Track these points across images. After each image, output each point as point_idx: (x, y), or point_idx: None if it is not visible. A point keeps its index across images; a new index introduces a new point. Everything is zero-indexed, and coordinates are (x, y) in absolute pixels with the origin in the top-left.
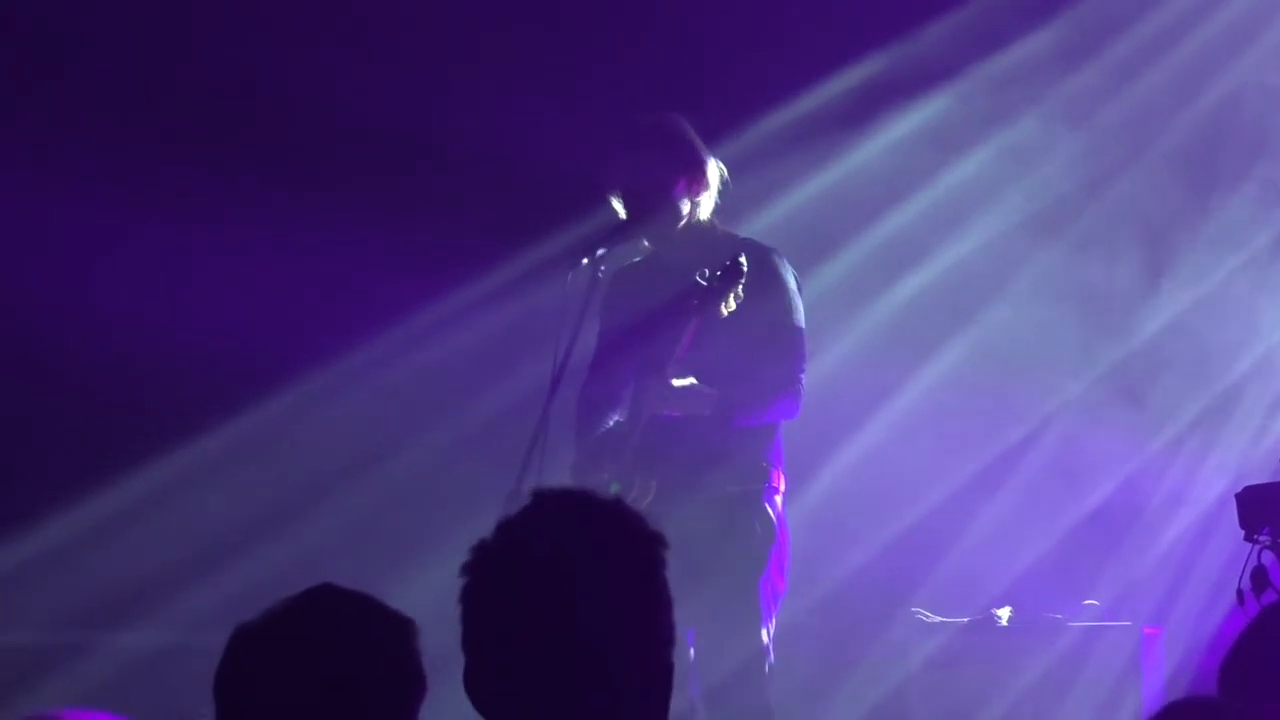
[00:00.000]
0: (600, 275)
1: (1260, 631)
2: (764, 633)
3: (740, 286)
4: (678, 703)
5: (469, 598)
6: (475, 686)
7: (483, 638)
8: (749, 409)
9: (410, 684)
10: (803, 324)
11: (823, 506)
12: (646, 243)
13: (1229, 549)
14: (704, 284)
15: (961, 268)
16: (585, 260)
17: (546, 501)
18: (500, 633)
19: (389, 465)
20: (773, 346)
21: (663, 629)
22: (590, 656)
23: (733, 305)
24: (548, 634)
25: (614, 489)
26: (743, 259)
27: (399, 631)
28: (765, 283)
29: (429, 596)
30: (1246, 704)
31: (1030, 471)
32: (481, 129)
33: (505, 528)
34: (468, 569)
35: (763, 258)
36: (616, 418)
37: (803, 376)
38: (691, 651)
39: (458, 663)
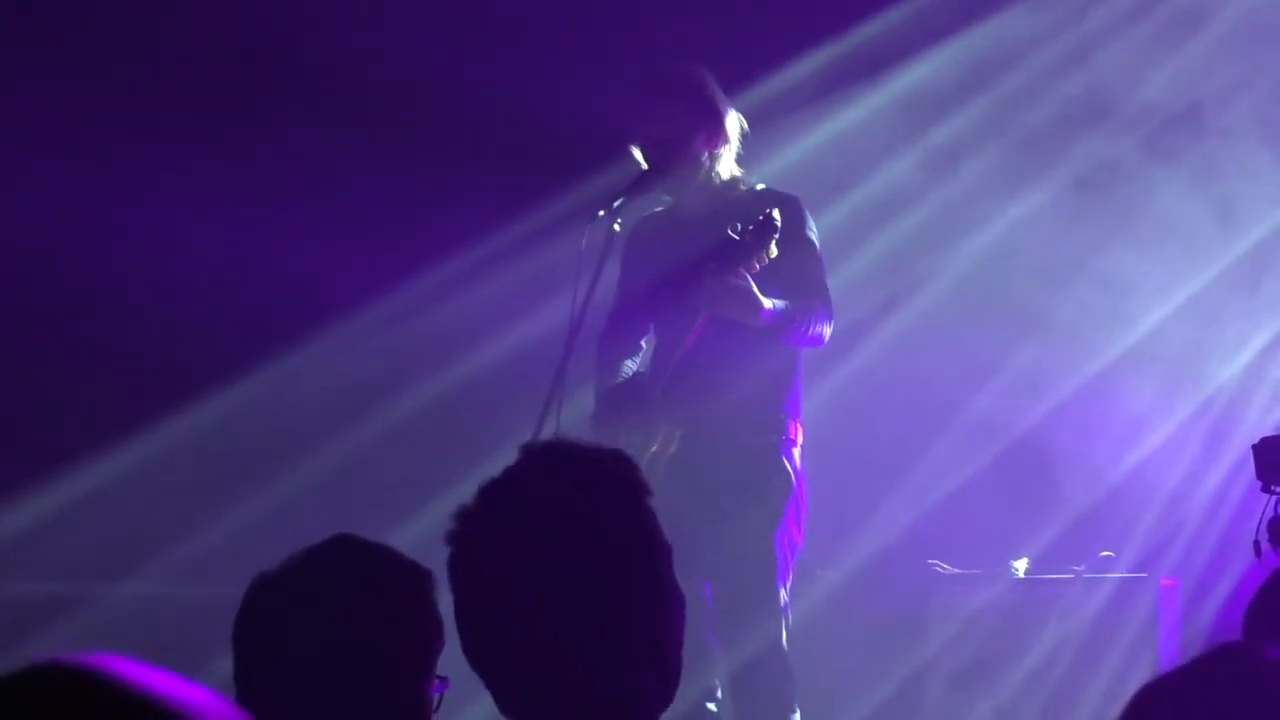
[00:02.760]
0: (618, 227)
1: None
2: (780, 585)
3: (774, 242)
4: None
5: (457, 565)
6: (475, 656)
7: (475, 604)
8: (793, 320)
9: (429, 634)
10: (827, 273)
11: (838, 459)
12: (666, 195)
13: (1244, 501)
14: (736, 238)
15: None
16: (602, 212)
17: (529, 456)
18: (493, 596)
19: (405, 415)
20: (805, 288)
21: (662, 574)
22: (589, 614)
23: (765, 261)
24: (542, 593)
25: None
26: (776, 214)
27: (417, 582)
28: (795, 236)
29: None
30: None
31: (1044, 428)
32: (497, 78)
33: (488, 487)
34: (452, 537)
35: (790, 210)
36: (636, 368)
37: (831, 311)
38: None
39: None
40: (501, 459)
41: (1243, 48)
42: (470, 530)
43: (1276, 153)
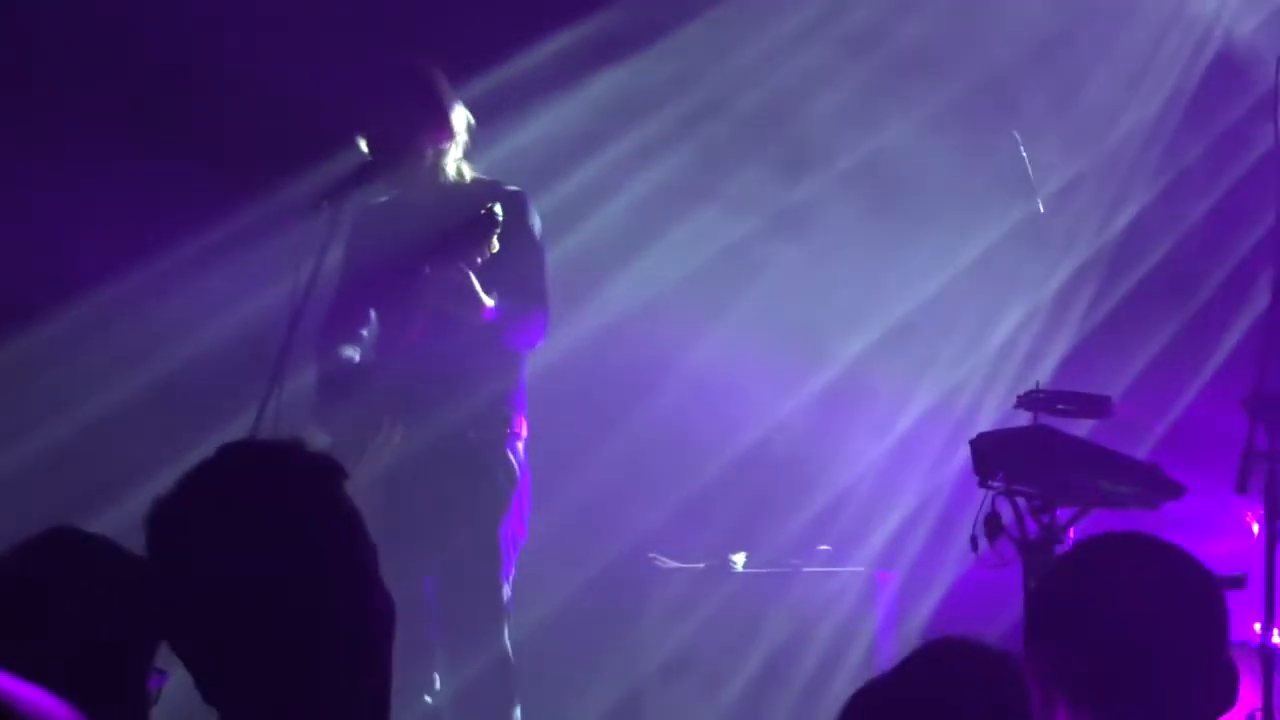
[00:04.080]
0: (341, 217)
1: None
2: (504, 578)
3: (495, 235)
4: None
5: (152, 552)
6: (175, 648)
7: (173, 598)
8: (511, 320)
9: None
10: (547, 268)
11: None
12: (391, 187)
13: (958, 493)
14: (458, 232)
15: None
16: (325, 203)
17: (224, 452)
18: (190, 592)
19: (118, 405)
20: (524, 288)
21: (366, 573)
22: (284, 614)
23: (487, 253)
24: (236, 593)
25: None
26: (497, 208)
27: (138, 574)
28: (517, 230)
29: None
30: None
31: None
32: (225, 64)
33: (184, 481)
34: (149, 523)
35: (513, 204)
36: (358, 359)
37: (549, 312)
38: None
39: None
40: (212, 448)
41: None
42: (165, 520)
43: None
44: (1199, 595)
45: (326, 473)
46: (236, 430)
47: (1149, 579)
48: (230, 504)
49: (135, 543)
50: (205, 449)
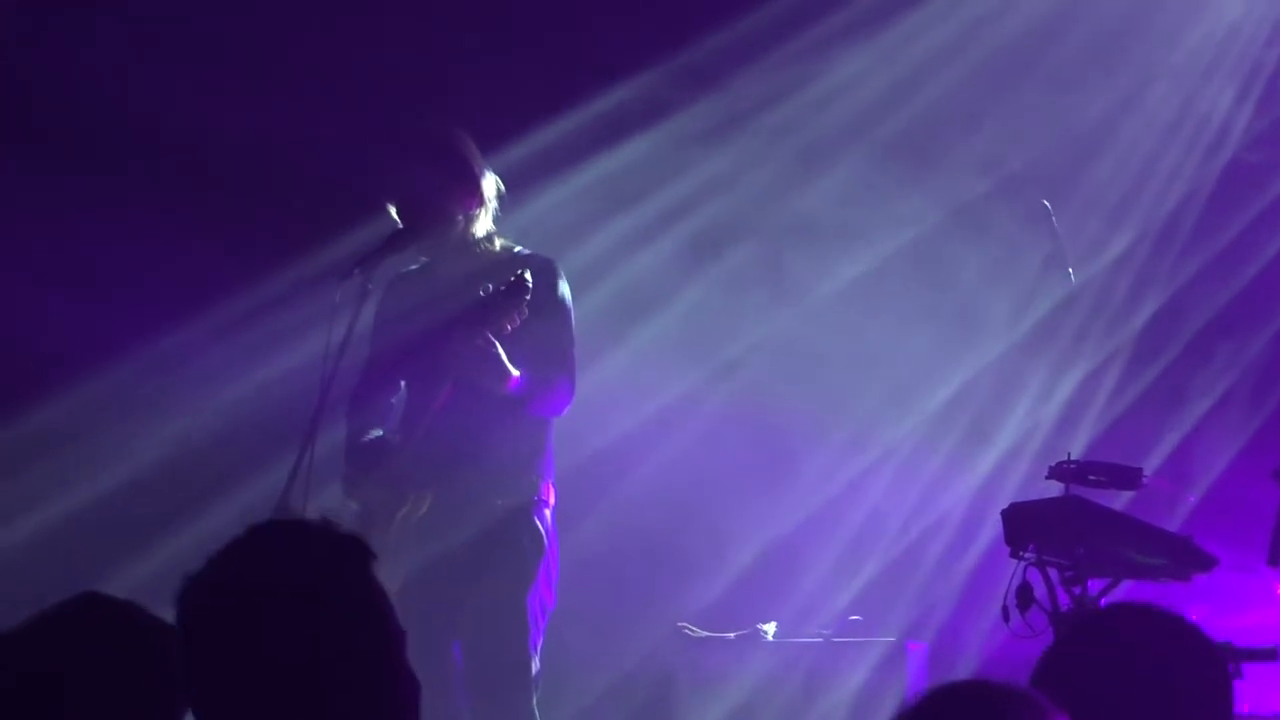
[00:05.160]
0: (371, 286)
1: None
2: (532, 647)
3: (524, 303)
4: (441, 713)
5: (184, 630)
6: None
7: (203, 672)
8: (535, 391)
9: (176, 691)
10: (574, 338)
11: (591, 519)
12: (422, 254)
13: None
14: (487, 300)
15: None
16: (356, 270)
17: (256, 531)
18: (219, 667)
19: (147, 466)
20: (548, 358)
21: (394, 657)
22: (313, 682)
23: (516, 321)
24: (266, 663)
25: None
26: (527, 275)
27: (167, 640)
28: (546, 299)
29: None
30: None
31: (795, 489)
32: (259, 133)
33: (214, 560)
34: (179, 599)
35: (543, 273)
36: (387, 427)
37: (574, 381)
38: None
39: None
40: (240, 512)
41: None
42: (196, 599)
43: None
44: (1205, 668)
45: (356, 553)
46: (261, 496)
47: (1155, 649)
48: (260, 584)
49: (163, 604)
50: (233, 513)
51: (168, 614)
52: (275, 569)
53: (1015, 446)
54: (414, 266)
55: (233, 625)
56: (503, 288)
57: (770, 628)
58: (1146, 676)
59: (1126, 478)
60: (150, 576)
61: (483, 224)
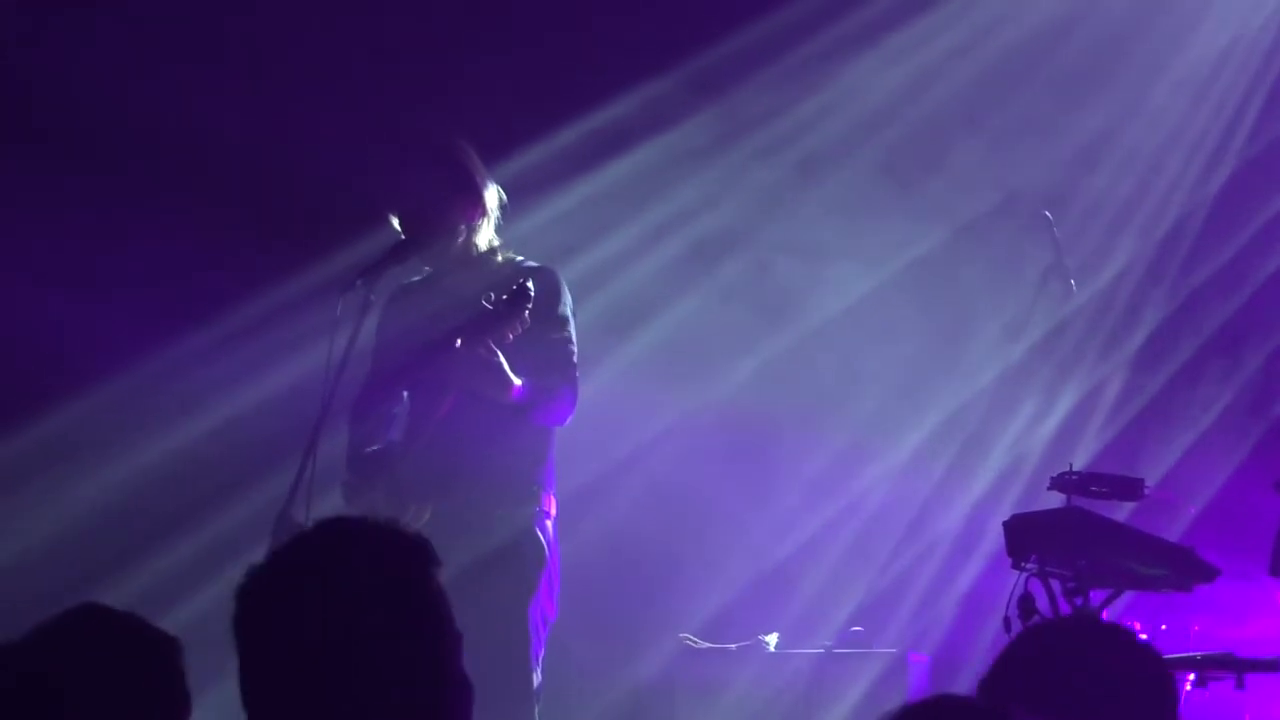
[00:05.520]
0: (373, 298)
1: (1019, 651)
2: (533, 656)
3: (526, 312)
4: None
5: (243, 624)
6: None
7: (257, 667)
8: (538, 400)
9: (178, 705)
10: (576, 347)
11: (596, 531)
12: (425, 265)
13: (989, 575)
14: (490, 310)
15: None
16: (359, 282)
17: (323, 528)
18: (276, 661)
19: (146, 475)
20: (550, 367)
21: (446, 660)
22: (372, 681)
23: (519, 330)
24: (326, 659)
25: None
26: (530, 284)
27: (168, 651)
28: (548, 309)
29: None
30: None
31: (796, 500)
32: (259, 134)
33: (278, 554)
34: (241, 594)
35: (544, 282)
36: (389, 437)
37: (576, 390)
38: None
39: None
40: (242, 518)
41: None
42: (258, 593)
43: None
44: (1147, 679)
45: (421, 554)
46: (262, 507)
47: (1093, 659)
48: (325, 579)
49: (163, 614)
50: (233, 524)
51: (167, 624)
52: (341, 565)
53: (1017, 457)
54: (416, 278)
55: (293, 618)
56: (504, 297)
57: (772, 639)
58: (1086, 688)
59: (1129, 489)
60: (148, 587)
61: (485, 235)
